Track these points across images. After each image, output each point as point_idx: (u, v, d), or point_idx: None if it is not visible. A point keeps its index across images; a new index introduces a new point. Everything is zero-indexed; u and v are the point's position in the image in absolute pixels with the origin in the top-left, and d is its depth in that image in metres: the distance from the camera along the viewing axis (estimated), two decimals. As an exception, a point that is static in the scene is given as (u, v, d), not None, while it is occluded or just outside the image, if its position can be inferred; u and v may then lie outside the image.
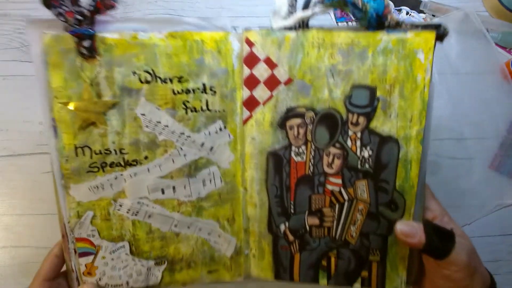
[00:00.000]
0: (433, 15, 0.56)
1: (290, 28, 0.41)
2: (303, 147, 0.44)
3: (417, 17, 0.41)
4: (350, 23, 0.46)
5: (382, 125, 0.42)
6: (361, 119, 0.42)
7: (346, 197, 0.44)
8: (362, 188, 0.44)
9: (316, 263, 0.46)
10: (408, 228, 0.41)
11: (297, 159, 0.44)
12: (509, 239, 0.58)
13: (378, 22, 0.39)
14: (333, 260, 0.46)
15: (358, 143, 0.43)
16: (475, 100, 0.58)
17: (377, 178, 0.43)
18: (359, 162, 0.43)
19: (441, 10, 0.55)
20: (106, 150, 0.42)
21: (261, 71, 0.42)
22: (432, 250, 0.41)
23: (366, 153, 0.43)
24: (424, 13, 0.55)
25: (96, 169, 0.42)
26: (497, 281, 0.45)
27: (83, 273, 0.45)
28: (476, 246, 0.44)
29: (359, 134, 0.43)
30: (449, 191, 0.53)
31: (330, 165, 0.44)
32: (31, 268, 0.45)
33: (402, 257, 0.45)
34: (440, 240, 0.40)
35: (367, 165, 0.43)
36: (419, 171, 0.42)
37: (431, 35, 0.39)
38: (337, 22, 0.54)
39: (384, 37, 0.40)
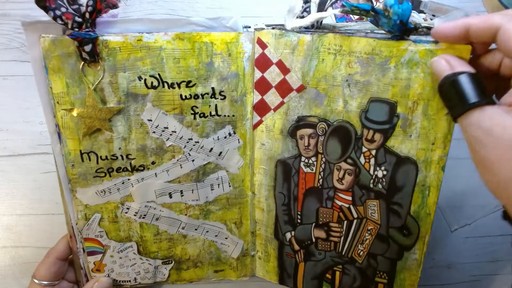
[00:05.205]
0: (433, 15, 0.53)
1: (305, 28, 0.38)
2: (313, 159, 0.41)
3: (417, 18, 0.37)
4: (350, 23, 0.42)
5: (401, 144, 0.38)
6: (377, 136, 0.38)
7: (355, 215, 0.42)
8: (373, 208, 0.41)
9: (320, 275, 0.45)
10: None
11: (306, 170, 0.42)
12: (509, 239, 0.57)
13: (403, 30, 0.34)
14: (338, 274, 0.45)
15: (372, 161, 0.39)
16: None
17: (390, 200, 0.40)
18: (371, 181, 0.40)
19: (441, 10, 0.53)
20: (113, 155, 0.40)
21: (273, 75, 0.40)
22: None
23: (380, 173, 0.39)
24: (424, 13, 0.53)
25: (102, 174, 0.41)
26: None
27: (91, 270, 0.46)
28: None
29: (374, 152, 0.39)
30: (449, 191, 0.51)
31: (340, 180, 0.41)
32: (31, 268, 0.44)
33: (411, 284, 0.42)
34: None
35: (380, 185, 0.40)
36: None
37: (466, 48, 0.32)
38: (336, 22, 0.50)
39: (410, 47, 0.34)
